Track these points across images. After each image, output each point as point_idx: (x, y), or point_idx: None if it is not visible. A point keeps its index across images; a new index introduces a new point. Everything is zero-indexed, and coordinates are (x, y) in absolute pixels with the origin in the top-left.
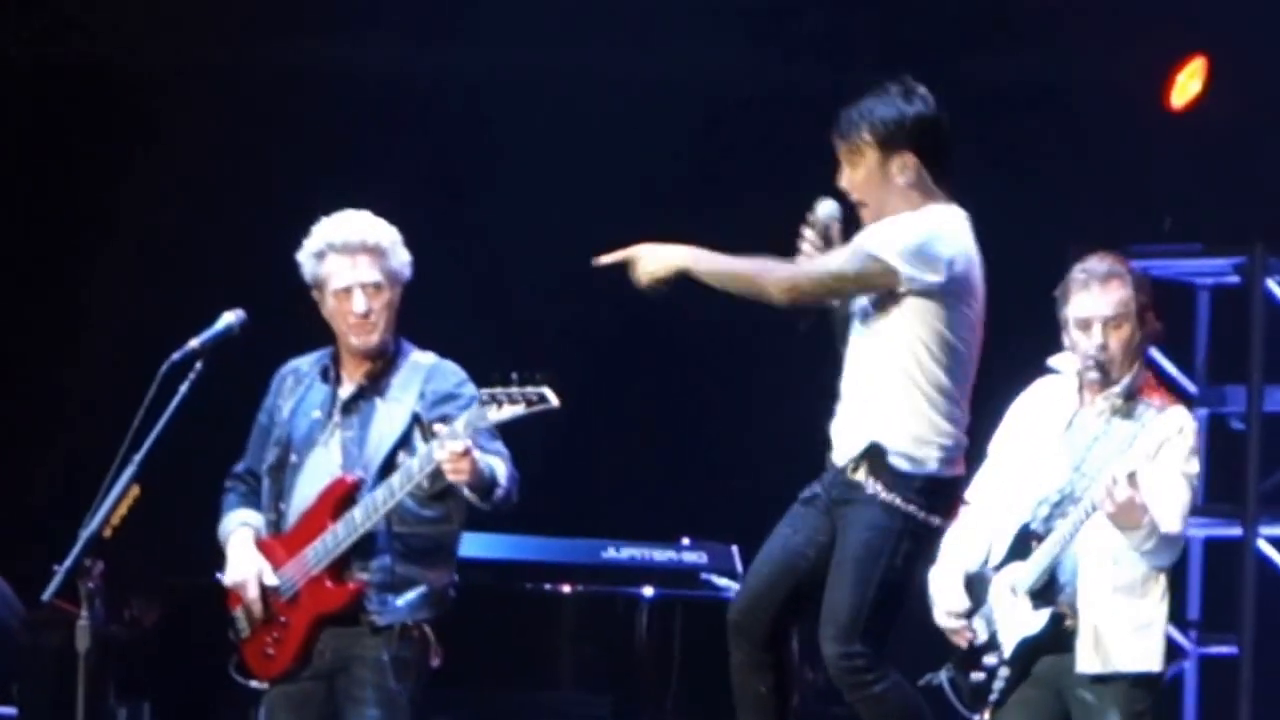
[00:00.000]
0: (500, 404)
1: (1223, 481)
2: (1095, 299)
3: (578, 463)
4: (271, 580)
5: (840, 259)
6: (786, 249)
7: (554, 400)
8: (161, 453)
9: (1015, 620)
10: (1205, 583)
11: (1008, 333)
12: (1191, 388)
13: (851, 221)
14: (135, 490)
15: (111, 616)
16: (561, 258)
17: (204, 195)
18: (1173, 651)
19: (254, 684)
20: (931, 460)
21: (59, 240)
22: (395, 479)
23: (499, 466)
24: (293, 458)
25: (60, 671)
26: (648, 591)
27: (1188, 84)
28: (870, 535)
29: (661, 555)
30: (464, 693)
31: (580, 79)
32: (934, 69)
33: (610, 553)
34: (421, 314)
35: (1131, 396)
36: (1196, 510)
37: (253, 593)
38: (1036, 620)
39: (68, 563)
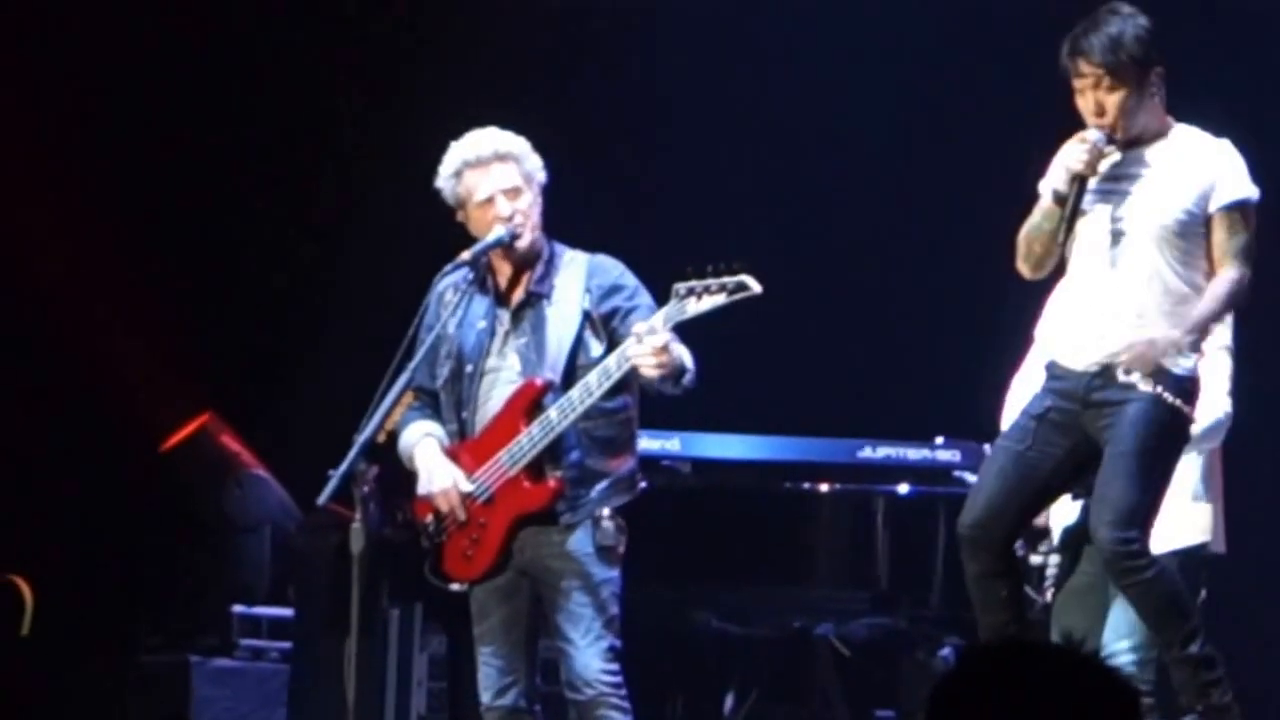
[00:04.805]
0: (699, 296)
1: None
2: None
3: (834, 364)
4: (466, 486)
5: (1239, 246)
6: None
7: (756, 286)
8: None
9: (1061, 509)
10: None
11: None
12: None
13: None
14: (409, 397)
15: (385, 519)
16: (803, 154)
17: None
18: None
19: (454, 587)
20: (1193, 360)
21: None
22: (591, 378)
23: (684, 352)
24: (468, 368)
25: (335, 574)
26: (903, 489)
27: None
28: (1155, 430)
29: (916, 454)
30: (727, 588)
31: None
32: None
33: (866, 452)
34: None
35: None
36: None
37: (454, 499)
38: (1075, 510)
39: (343, 467)
